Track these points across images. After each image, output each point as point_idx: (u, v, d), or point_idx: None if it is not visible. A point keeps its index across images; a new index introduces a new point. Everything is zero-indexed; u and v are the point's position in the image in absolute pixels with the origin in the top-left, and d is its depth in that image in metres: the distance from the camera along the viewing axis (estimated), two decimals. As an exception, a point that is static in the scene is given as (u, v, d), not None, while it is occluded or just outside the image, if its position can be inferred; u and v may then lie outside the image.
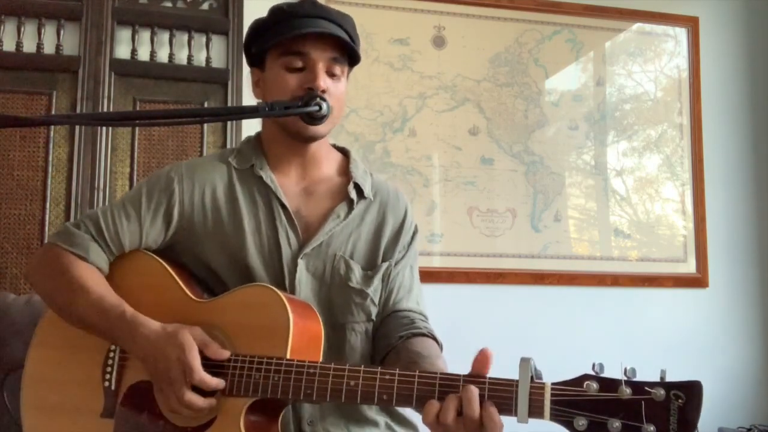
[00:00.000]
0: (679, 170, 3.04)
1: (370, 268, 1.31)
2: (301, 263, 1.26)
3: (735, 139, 3.11)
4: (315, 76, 1.22)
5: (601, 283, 2.86)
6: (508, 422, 0.96)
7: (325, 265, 1.27)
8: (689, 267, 2.98)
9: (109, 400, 1.17)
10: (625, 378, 0.89)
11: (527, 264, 2.81)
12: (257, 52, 1.31)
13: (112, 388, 1.18)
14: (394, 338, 1.28)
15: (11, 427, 1.55)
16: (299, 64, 1.24)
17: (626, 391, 0.87)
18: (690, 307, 2.95)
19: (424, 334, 1.28)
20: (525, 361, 0.93)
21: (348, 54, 1.28)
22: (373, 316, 1.32)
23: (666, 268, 2.95)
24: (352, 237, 1.31)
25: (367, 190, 1.34)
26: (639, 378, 0.90)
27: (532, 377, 0.93)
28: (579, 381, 0.91)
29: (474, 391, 0.94)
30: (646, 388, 0.87)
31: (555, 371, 1.01)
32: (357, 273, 1.29)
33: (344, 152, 1.41)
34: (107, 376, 1.18)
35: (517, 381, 0.93)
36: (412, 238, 1.39)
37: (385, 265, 1.32)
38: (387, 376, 1.01)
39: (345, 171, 1.36)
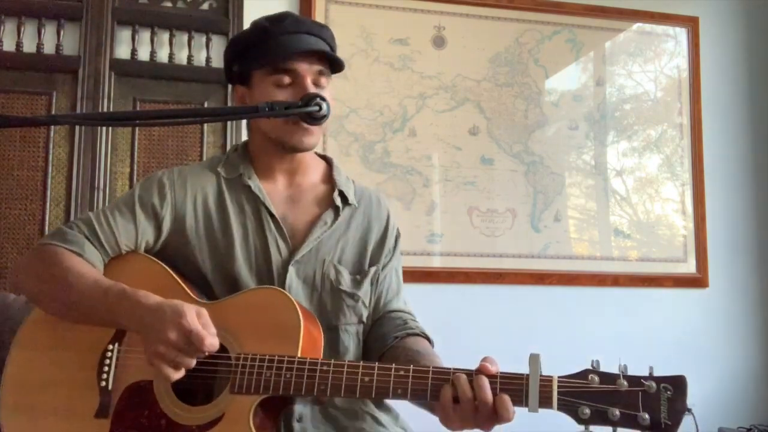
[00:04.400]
0: (679, 170, 3.04)
1: (359, 272, 1.36)
2: (292, 270, 1.29)
3: (735, 138, 3.11)
4: (304, 90, 1.27)
5: (601, 283, 2.86)
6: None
7: (315, 270, 1.32)
8: (689, 267, 2.98)
9: (104, 400, 1.17)
10: (621, 372, 1.00)
11: (527, 264, 2.81)
12: (241, 71, 1.35)
13: (109, 388, 1.17)
14: (389, 338, 1.33)
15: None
16: (288, 80, 1.29)
17: (624, 384, 0.99)
18: (690, 307, 2.95)
19: (417, 334, 1.33)
20: (534, 356, 1.03)
21: (330, 63, 1.35)
22: (364, 318, 1.37)
23: (666, 268, 2.95)
24: (340, 243, 1.35)
25: (351, 197, 1.40)
26: (632, 373, 1.01)
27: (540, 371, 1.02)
28: (583, 374, 1.01)
29: (485, 379, 1.02)
30: (642, 381, 0.99)
31: (555, 371, 1.03)
32: (346, 277, 1.34)
33: (327, 160, 1.47)
34: (104, 376, 1.18)
35: (527, 375, 1.02)
36: (396, 241, 1.45)
37: (373, 269, 1.38)
38: (401, 372, 1.07)
39: (329, 179, 1.42)
